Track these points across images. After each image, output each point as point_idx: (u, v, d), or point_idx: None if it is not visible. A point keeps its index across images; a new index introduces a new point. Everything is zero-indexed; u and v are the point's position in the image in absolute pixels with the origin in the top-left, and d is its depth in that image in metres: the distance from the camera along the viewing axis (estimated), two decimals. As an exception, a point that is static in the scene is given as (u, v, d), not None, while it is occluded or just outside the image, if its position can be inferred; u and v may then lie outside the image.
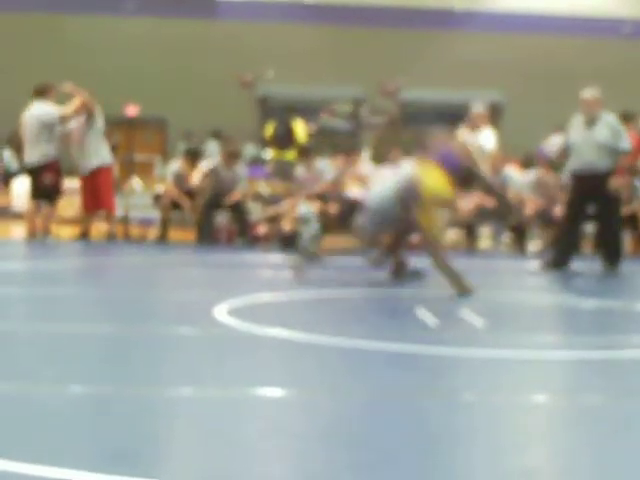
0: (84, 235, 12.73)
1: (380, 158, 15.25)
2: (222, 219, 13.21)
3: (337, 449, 3.34)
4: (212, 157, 15.55)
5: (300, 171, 13.37)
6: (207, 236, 12.81)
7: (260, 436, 3.48)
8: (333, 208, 12.89)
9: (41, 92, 12.37)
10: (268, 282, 8.91)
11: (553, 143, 14.51)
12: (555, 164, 12.97)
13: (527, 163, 14.24)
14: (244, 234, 12.89)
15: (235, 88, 23.08)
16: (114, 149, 13.96)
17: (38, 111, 12.24)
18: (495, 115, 18.86)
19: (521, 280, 9.88)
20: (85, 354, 5.07)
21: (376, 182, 8.54)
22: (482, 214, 12.32)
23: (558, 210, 12.17)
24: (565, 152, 10.29)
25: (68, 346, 5.24)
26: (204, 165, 13.46)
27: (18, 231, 13.76)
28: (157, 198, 13.45)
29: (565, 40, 24.33)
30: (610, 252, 10.17)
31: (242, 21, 24.22)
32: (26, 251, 11.73)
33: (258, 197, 13.79)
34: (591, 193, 10.02)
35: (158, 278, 9.34)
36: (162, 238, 12.94)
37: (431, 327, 6.18)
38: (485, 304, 7.44)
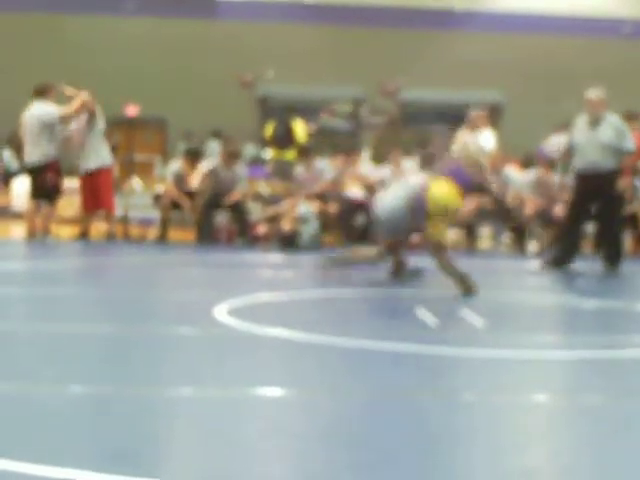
0: (84, 235, 12.72)
1: (380, 158, 15.27)
2: (222, 219, 13.20)
3: (337, 449, 3.34)
4: (213, 157, 15.55)
5: (300, 171, 13.37)
6: (207, 236, 12.81)
7: (260, 436, 3.48)
8: (333, 208, 12.90)
9: (41, 92, 12.36)
10: (268, 282, 8.90)
11: (553, 143, 14.51)
12: (555, 164, 12.98)
13: (527, 163, 14.24)
14: (244, 234, 12.89)
15: (235, 88, 23.08)
16: (114, 149, 13.95)
17: (38, 111, 12.23)
18: (495, 115, 18.88)
19: (521, 280, 9.88)
20: (85, 354, 5.07)
21: (386, 193, 8.51)
22: (482, 214, 12.31)
23: (558, 210, 12.17)
24: (569, 152, 10.28)
25: (68, 346, 5.24)
26: (204, 166, 13.45)
27: (18, 231, 13.75)
28: (157, 198, 13.45)
29: (565, 40, 24.33)
30: (611, 252, 10.17)
31: (242, 21, 24.22)
32: (26, 251, 11.73)
33: (258, 197, 13.79)
34: (594, 193, 10.02)
35: (158, 278, 9.34)
36: (162, 238, 12.94)
37: (431, 327, 6.18)
38: (485, 304, 7.44)
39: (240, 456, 3.22)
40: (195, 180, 13.04)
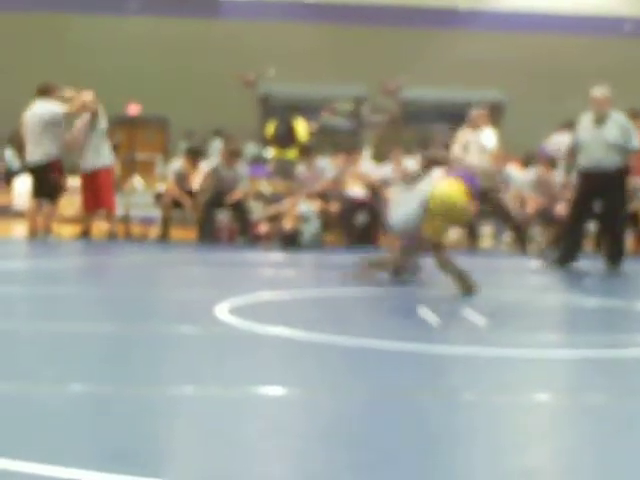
0: (85, 234, 12.72)
1: (381, 157, 15.26)
2: (223, 218, 13.20)
3: (337, 449, 3.33)
4: (215, 156, 15.55)
5: (301, 170, 13.36)
6: (208, 235, 12.80)
7: (260, 436, 3.48)
8: (334, 207, 12.89)
9: (44, 91, 12.36)
10: (269, 281, 8.90)
11: (555, 142, 14.48)
12: (556, 163, 12.97)
13: (527, 162, 14.23)
14: (245, 233, 12.88)
15: (236, 87, 23.07)
16: (115, 148, 13.95)
17: (41, 110, 12.23)
18: (497, 114, 18.86)
19: (523, 279, 9.87)
20: (86, 353, 5.07)
21: (398, 204, 8.48)
22: (482, 214, 12.30)
23: (559, 209, 12.16)
24: (573, 151, 10.26)
25: (69, 345, 5.24)
26: (205, 165, 13.45)
27: (19, 230, 13.76)
28: (158, 197, 13.44)
29: (568, 39, 24.32)
30: (613, 251, 10.16)
31: (243, 20, 24.22)
32: (27, 250, 11.73)
33: (259, 196, 13.79)
34: (598, 191, 10.01)
35: (159, 277, 9.33)
36: (163, 237, 12.93)
37: (433, 326, 6.17)
38: (487, 303, 7.43)
39: (240, 456, 3.21)
40: (197, 180, 13.04)
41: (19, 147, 16.14)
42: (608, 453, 3.38)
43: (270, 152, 17.51)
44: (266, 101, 23.82)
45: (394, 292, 8.03)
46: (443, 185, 8.00)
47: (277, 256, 11.38)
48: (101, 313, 6.60)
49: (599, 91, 10.00)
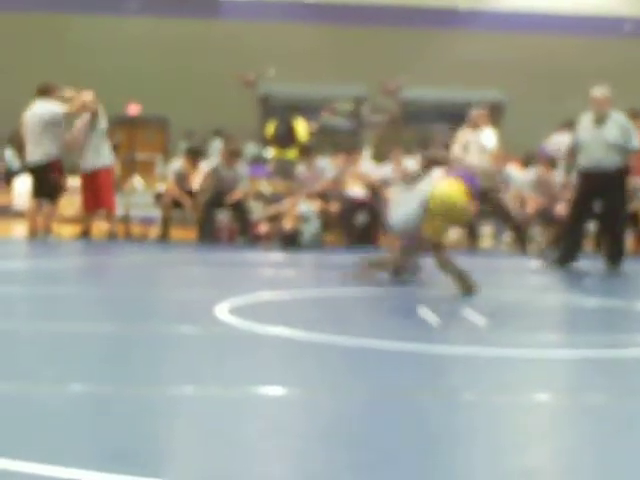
0: (85, 234, 12.72)
1: (381, 157, 15.26)
2: (223, 218, 13.20)
3: (337, 449, 3.33)
4: (215, 156, 15.55)
5: (301, 170, 13.36)
6: (208, 235, 12.80)
7: (260, 436, 3.48)
8: (334, 207, 12.89)
9: (44, 91, 12.36)
10: (269, 281, 8.90)
11: (555, 142, 14.48)
12: (556, 163, 12.96)
13: (527, 162, 14.23)
14: (245, 233, 12.88)
15: (236, 87, 23.07)
16: (115, 148, 13.95)
17: (41, 110, 12.22)
18: (497, 114, 18.86)
19: (523, 279, 9.87)
20: (86, 353, 5.07)
21: (398, 204, 8.47)
22: (482, 214, 12.30)
23: (559, 209, 12.16)
24: (573, 150, 10.26)
25: (69, 345, 5.24)
26: (205, 165, 13.45)
27: (19, 230, 13.76)
28: (158, 197, 13.44)
29: (568, 39, 24.32)
30: (613, 251, 10.16)
31: (243, 20, 24.22)
32: (27, 250, 11.73)
33: (259, 196, 13.78)
34: (598, 191, 10.00)
35: (159, 277, 9.33)
36: (163, 237, 12.93)
37: (433, 326, 6.17)
38: (487, 303, 7.43)
39: (240, 456, 3.22)
40: (197, 180, 13.03)
41: (19, 147, 16.13)
42: (608, 453, 3.38)
43: (270, 152, 17.51)
44: (266, 101, 23.82)
45: (394, 292, 8.03)
46: (443, 185, 8.00)
47: (277, 256, 11.38)
48: (101, 313, 6.60)
49: (599, 91, 10.00)
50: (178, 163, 13.54)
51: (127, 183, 15.95)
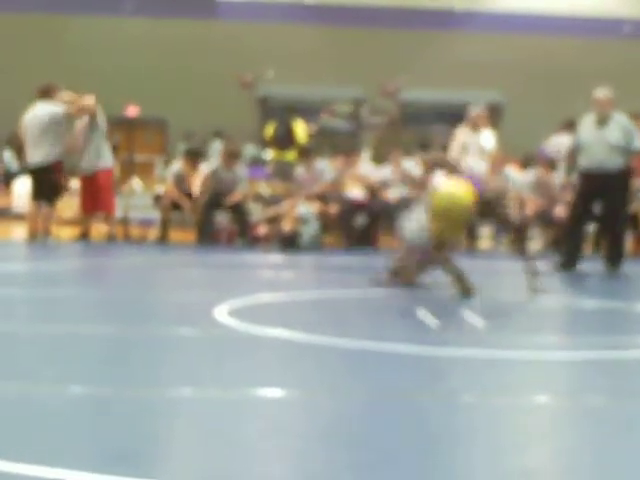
0: (84, 236, 12.72)
1: (380, 158, 15.26)
2: (222, 220, 13.20)
3: (337, 449, 3.33)
4: (215, 157, 15.55)
5: (300, 171, 13.36)
6: (207, 237, 12.80)
7: (260, 436, 3.48)
8: (333, 208, 12.89)
9: (45, 92, 12.36)
10: (268, 283, 8.90)
11: (554, 143, 14.49)
12: (555, 164, 12.97)
13: (526, 163, 14.24)
14: (244, 235, 12.88)
15: (235, 88, 23.06)
16: (114, 150, 13.95)
17: (42, 111, 12.22)
18: (495, 115, 18.85)
19: (522, 281, 9.85)
20: (85, 355, 5.07)
21: (411, 217, 8.49)
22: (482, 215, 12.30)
23: (558, 210, 12.17)
24: (574, 152, 10.26)
25: (68, 347, 5.24)
26: (205, 167, 13.45)
27: (18, 232, 13.75)
28: (157, 199, 13.44)
29: (565, 40, 24.31)
30: (612, 252, 10.16)
31: (242, 21, 24.21)
32: (26, 252, 11.72)
33: (258, 198, 13.78)
34: (599, 192, 10.00)
35: (158, 279, 9.33)
36: (162, 239, 12.93)
37: (432, 328, 6.18)
38: (486, 305, 7.43)
39: (240, 456, 3.22)
40: (197, 183, 13.01)
41: (18, 148, 16.12)
42: (608, 454, 3.38)
43: (269, 154, 17.50)
44: (265, 102, 23.81)
45: (393, 294, 8.02)
46: (448, 184, 8.01)
47: (276, 258, 11.38)
48: (100, 315, 6.59)
49: (602, 92, 10.01)
50: (177, 165, 13.54)
51: (126, 185, 15.95)
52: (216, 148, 18.48)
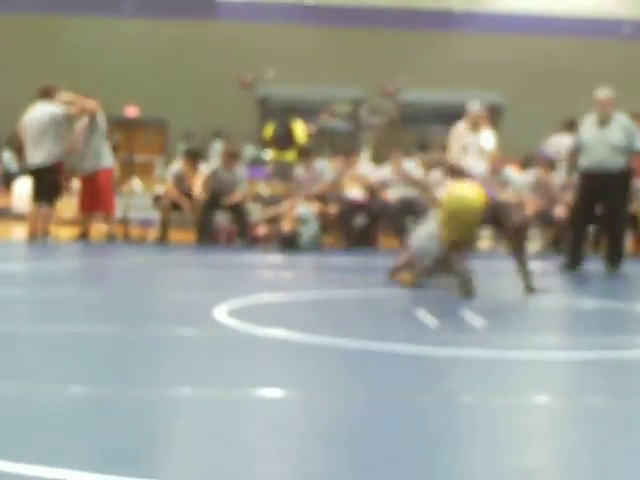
0: (83, 236, 12.72)
1: (380, 159, 15.27)
2: (222, 220, 13.20)
3: (337, 449, 3.33)
4: (215, 158, 15.55)
5: (299, 172, 13.37)
6: (207, 237, 12.80)
7: (260, 436, 3.48)
8: (332, 209, 12.89)
9: (46, 93, 12.36)
10: (268, 283, 8.90)
11: (554, 144, 14.50)
12: (555, 164, 12.97)
13: (526, 163, 14.24)
14: (244, 235, 12.88)
15: (235, 89, 23.07)
16: (114, 150, 13.96)
17: (41, 112, 12.22)
18: (495, 116, 18.86)
19: (521, 281, 9.84)
20: (85, 355, 5.07)
21: (421, 228, 8.51)
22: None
23: (558, 211, 12.17)
24: (575, 152, 10.26)
25: (68, 347, 5.24)
26: (205, 168, 13.45)
27: (18, 232, 13.75)
28: (157, 199, 13.44)
29: (565, 41, 24.32)
30: (612, 253, 10.16)
31: (242, 22, 24.21)
32: (26, 252, 11.73)
33: (258, 198, 13.79)
34: (600, 192, 10.00)
35: (158, 279, 9.33)
36: (162, 239, 12.93)
37: (431, 328, 6.17)
38: (486, 305, 7.43)
39: (240, 456, 3.22)
40: (197, 184, 13.00)
41: (17, 149, 16.13)
42: (608, 454, 3.38)
43: (269, 154, 17.50)
44: (265, 103, 23.81)
45: (393, 294, 8.03)
46: (459, 186, 8.01)
47: (276, 258, 11.38)
48: (100, 315, 6.59)
49: (603, 92, 10.01)
50: (177, 165, 13.54)
51: (126, 185, 15.95)
52: (216, 148, 18.49)
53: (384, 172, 13.48)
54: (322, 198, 12.95)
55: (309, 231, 12.46)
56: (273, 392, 4.18)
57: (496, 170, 12.64)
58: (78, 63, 22.45)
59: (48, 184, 12.22)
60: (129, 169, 17.74)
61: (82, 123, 12.66)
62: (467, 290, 7.68)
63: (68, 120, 12.41)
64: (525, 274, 7.97)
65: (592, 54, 23.92)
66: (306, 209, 12.55)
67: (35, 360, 4.87)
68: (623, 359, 5.31)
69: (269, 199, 13.71)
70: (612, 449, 3.45)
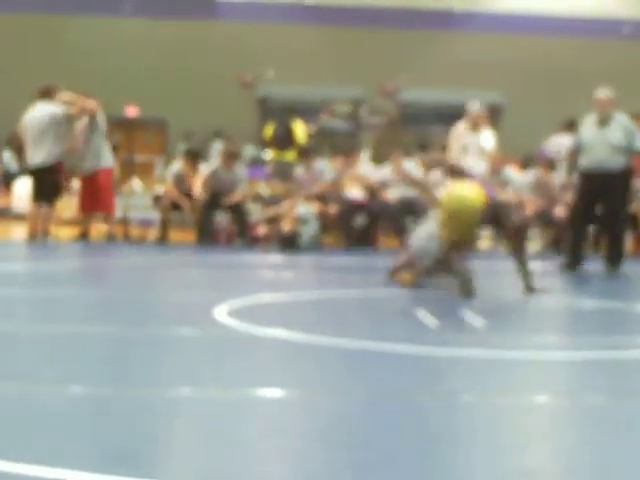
0: (83, 236, 12.73)
1: (380, 158, 15.27)
2: (222, 220, 13.20)
3: (337, 449, 3.33)
4: (215, 157, 15.55)
5: (299, 172, 13.37)
6: (207, 237, 12.81)
7: (260, 436, 3.48)
8: (332, 209, 12.89)
9: (46, 93, 12.36)
10: (268, 283, 8.90)
11: (554, 144, 14.50)
12: (555, 164, 12.97)
13: (526, 163, 14.24)
14: (244, 235, 12.88)
15: (235, 89, 23.07)
16: (114, 150, 13.97)
17: (42, 112, 12.22)
18: (495, 116, 18.87)
19: (521, 281, 9.84)
20: (85, 355, 5.07)
21: (421, 228, 8.50)
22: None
23: (558, 211, 12.16)
24: (575, 151, 10.26)
25: (68, 347, 5.24)
26: (205, 168, 13.45)
27: (18, 232, 13.75)
28: (157, 199, 13.45)
29: (565, 41, 24.32)
30: (612, 253, 10.16)
31: (242, 22, 24.22)
32: (26, 252, 11.73)
33: (258, 198, 13.79)
34: (600, 192, 10.00)
35: (158, 279, 9.33)
36: (162, 239, 12.94)
37: (431, 328, 6.18)
38: (486, 305, 7.43)
39: (240, 456, 3.22)
40: (197, 184, 13.00)
41: (17, 149, 16.13)
42: (608, 454, 3.38)
43: (269, 154, 17.51)
44: (264, 103, 23.82)
45: (393, 294, 8.03)
46: (459, 186, 8.01)
47: (276, 258, 11.38)
48: (100, 315, 6.59)
49: (603, 92, 10.01)
50: (177, 165, 13.54)
51: (126, 185, 15.95)
52: (216, 148, 18.49)
53: (384, 172, 13.48)
54: (322, 198, 12.95)
55: (309, 231, 12.46)
56: (273, 392, 4.18)
57: (496, 170, 12.64)
58: (78, 63, 22.45)
59: (48, 184, 12.22)
60: (129, 169, 17.74)
61: (82, 123, 12.66)
62: (467, 290, 7.68)
63: (68, 120, 12.42)
64: (525, 274, 7.97)
65: (592, 54, 23.92)
66: (306, 209, 12.55)
67: (35, 360, 4.87)
68: (623, 359, 5.31)
69: (269, 199, 13.72)
70: (612, 449, 3.45)
